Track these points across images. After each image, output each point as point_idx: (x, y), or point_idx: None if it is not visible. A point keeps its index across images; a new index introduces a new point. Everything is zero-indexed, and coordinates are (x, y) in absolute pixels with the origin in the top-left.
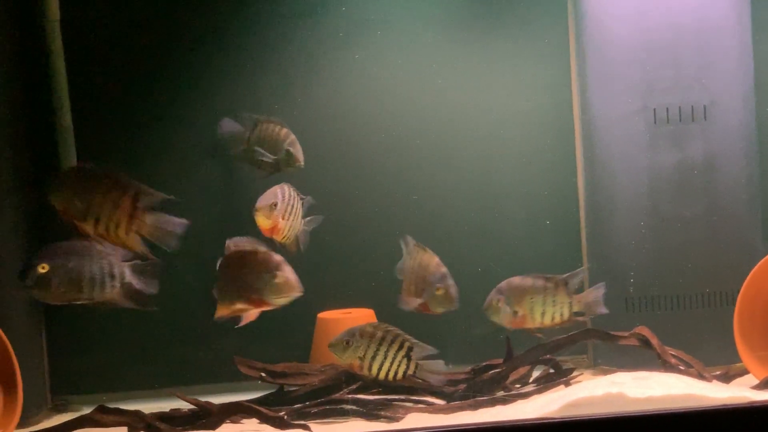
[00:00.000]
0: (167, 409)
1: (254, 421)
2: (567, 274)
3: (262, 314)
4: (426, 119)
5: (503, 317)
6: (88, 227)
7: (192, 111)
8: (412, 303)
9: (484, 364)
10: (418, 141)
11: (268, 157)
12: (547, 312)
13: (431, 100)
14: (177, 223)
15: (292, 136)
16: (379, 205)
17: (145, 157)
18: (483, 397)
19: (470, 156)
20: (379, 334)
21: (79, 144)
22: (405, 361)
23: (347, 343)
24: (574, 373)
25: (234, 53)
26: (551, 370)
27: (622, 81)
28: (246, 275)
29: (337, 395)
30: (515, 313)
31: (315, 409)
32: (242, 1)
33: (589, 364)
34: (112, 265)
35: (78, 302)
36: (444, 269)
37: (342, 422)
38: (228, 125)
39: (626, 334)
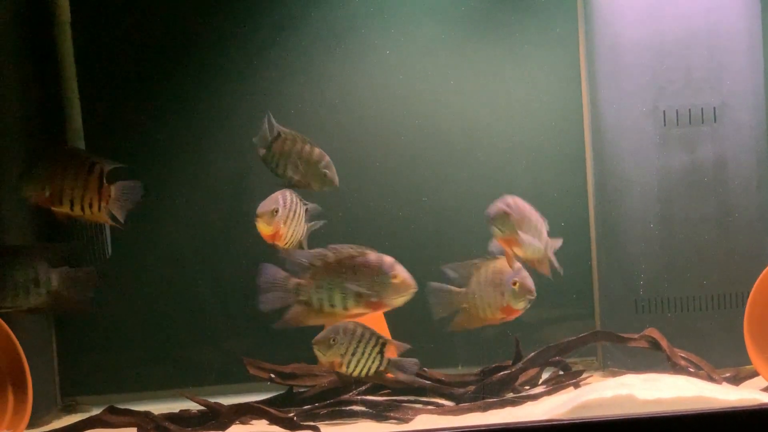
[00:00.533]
0: (177, 410)
1: (263, 422)
2: None
3: (270, 316)
4: (436, 121)
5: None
6: (65, 211)
7: (203, 111)
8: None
9: (493, 365)
10: (428, 142)
11: (297, 174)
12: None
13: (441, 102)
14: (134, 187)
15: (327, 158)
16: (387, 205)
17: (155, 158)
18: (492, 398)
19: (480, 157)
20: (359, 331)
21: (88, 145)
22: (378, 358)
23: (333, 340)
24: (584, 375)
25: (249, 53)
26: (561, 372)
27: (632, 83)
28: (361, 278)
29: (346, 396)
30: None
31: (324, 411)
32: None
33: (599, 365)
34: (38, 272)
35: (2, 310)
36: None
37: (351, 423)
38: (266, 126)
39: (636, 336)
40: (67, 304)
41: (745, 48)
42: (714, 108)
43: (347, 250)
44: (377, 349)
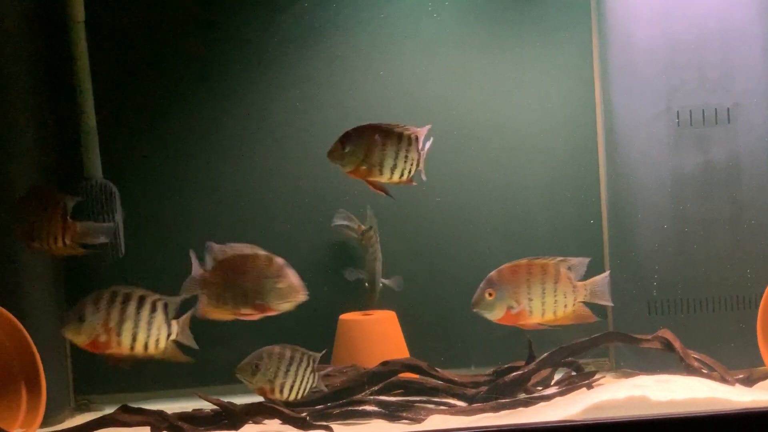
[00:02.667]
0: (190, 409)
1: (276, 421)
2: (568, 258)
3: (284, 315)
4: (449, 123)
5: (496, 313)
6: (38, 245)
7: (216, 113)
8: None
9: (506, 366)
10: (442, 144)
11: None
12: (548, 303)
13: (454, 104)
14: (103, 227)
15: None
16: (401, 208)
17: (168, 155)
18: (505, 399)
19: (493, 158)
20: (287, 354)
21: (103, 146)
22: (311, 377)
23: (256, 366)
24: (597, 376)
25: (262, 55)
26: (573, 373)
27: (646, 83)
28: (248, 280)
29: (358, 396)
30: (510, 307)
31: (337, 410)
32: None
33: (611, 367)
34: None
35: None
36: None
37: (364, 423)
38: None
39: (649, 336)
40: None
41: (758, 48)
42: (727, 108)
43: (243, 248)
44: (309, 368)
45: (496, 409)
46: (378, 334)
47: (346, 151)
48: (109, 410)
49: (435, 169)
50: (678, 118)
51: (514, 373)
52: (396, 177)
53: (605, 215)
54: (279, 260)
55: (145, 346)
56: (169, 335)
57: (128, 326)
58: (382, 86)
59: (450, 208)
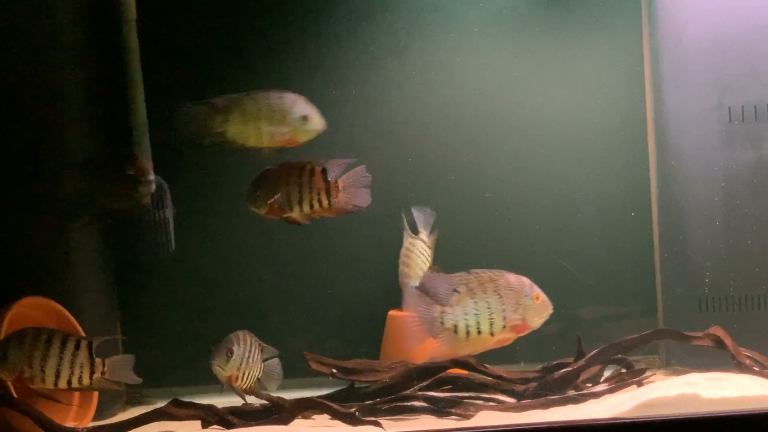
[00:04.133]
0: (240, 404)
1: (325, 416)
2: None
3: (333, 311)
4: (499, 118)
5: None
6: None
7: None
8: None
9: (555, 362)
10: (490, 142)
11: None
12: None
13: (504, 99)
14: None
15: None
16: (450, 204)
17: (218, 151)
18: (554, 396)
19: (542, 154)
20: (248, 339)
21: (152, 140)
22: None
23: (230, 353)
24: (646, 373)
25: (317, 52)
26: (623, 370)
27: (697, 78)
28: (506, 302)
29: (407, 392)
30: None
31: (386, 406)
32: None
33: (662, 364)
34: None
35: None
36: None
37: (412, 419)
38: None
39: (700, 334)
40: None
41: None
42: None
43: (488, 273)
44: (260, 356)
45: (545, 405)
46: None
47: (257, 194)
48: (160, 404)
49: (486, 164)
50: (730, 114)
51: (564, 370)
52: (306, 208)
53: (655, 211)
54: (526, 279)
55: (69, 383)
56: (92, 372)
57: (52, 363)
58: (432, 87)
59: (499, 206)
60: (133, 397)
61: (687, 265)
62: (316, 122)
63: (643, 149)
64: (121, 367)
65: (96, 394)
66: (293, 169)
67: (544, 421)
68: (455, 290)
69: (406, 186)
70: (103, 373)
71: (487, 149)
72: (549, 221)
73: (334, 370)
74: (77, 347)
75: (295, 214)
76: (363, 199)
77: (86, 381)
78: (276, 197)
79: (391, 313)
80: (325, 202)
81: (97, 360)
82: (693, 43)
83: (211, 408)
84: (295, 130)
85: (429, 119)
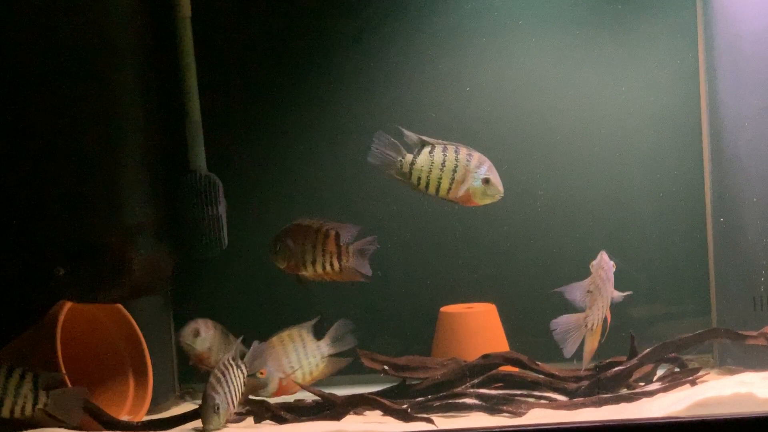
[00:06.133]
0: (292, 400)
1: (377, 413)
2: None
3: (385, 309)
4: (553, 118)
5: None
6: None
7: (318, 112)
8: None
9: (608, 360)
10: (544, 140)
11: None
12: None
13: (557, 99)
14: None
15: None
16: (503, 203)
17: (270, 151)
18: (606, 394)
19: (597, 154)
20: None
21: (207, 138)
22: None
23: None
24: (700, 373)
25: (370, 54)
26: (676, 369)
27: (753, 76)
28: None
29: (459, 389)
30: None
31: (437, 403)
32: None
33: (715, 363)
34: None
35: None
36: None
37: (464, 416)
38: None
39: (755, 333)
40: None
41: None
42: None
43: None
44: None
45: (598, 404)
46: (478, 327)
47: (278, 250)
48: None
49: (539, 164)
50: None
51: (616, 368)
52: (319, 269)
53: (709, 211)
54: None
55: (11, 412)
56: (35, 404)
57: None
58: (478, 85)
59: (553, 203)
60: (186, 392)
61: (741, 263)
62: (496, 188)
63: (697, 147)
64: (66, 401)
65: (150, 387)
66: (310, 231)
67: (597, 419)
68: (588, 291)
69: None
70: (45, 405)
71: (538, 150)
72: (601, 221)
73: (386, 367)
74: (22, 378)
75: (309, 273)
76: (367, 269)
77: (28, 412)
78: (293, 258)
79: (443, 309)
80: (336, 266)
81: (41, 392)
82: (749, 40)
83: (263, 403)
84: (475, 190)
85: (486, 122)
